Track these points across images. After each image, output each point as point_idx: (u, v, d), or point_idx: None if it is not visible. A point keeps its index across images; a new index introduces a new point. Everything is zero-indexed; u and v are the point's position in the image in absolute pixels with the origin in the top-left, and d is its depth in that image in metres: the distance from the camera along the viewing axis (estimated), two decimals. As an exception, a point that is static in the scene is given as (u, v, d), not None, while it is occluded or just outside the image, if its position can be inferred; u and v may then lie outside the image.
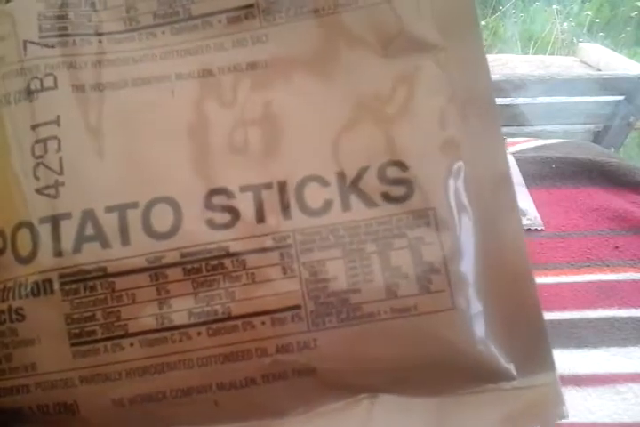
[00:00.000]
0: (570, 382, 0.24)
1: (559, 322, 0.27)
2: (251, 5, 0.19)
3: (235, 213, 0.18)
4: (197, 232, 0.18)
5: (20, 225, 0.18)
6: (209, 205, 0.18)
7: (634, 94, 0.90)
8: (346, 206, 0.17)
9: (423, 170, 0.17)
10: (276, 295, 0.17)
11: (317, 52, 0.19)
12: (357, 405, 0.17)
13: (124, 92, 0.19)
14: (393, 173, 0.18)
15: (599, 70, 1.02)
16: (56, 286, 0.18)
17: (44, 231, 0.18)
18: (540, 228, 0.34)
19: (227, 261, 0.17)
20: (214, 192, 0.18)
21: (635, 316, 0.28)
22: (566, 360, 0.25)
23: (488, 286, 0.17)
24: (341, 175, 0.18)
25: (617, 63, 1.00)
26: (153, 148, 0.18)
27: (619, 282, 0.30)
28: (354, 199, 0.18)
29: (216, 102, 0.19)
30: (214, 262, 0.17)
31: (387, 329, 0.17)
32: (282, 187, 0.18)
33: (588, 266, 0.31)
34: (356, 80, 0.18)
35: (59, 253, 0.18)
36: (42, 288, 0.18)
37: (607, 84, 0.90)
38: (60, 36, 0.19)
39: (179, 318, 0.17)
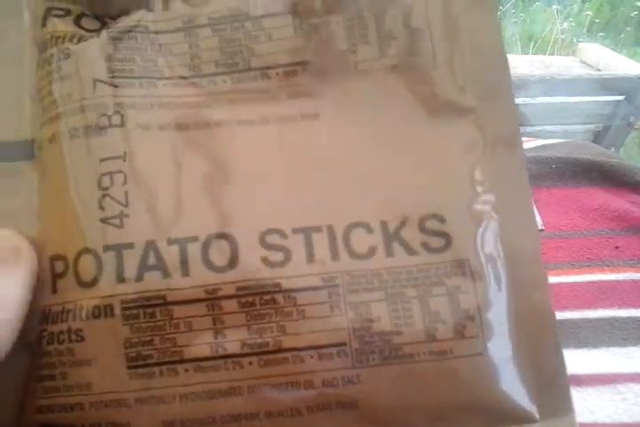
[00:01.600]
0: (570, 382, 0.24)
1: (559, 322, 0.26)
2: (306, 62, 0.21)
3: (287, 253, 0.19)
4: (253, 268, 0.19)
5: (83, 251, 0.20)
6: (264, 244, 0.19)
7: (634, 94, 0.91)
8: (389, 253, 0.19)
9: (459, 223, 0.19)
10: (324, 332, 0.19)
11: (365, 103, 0.21)
12: None
13: (186, 133, 0.20)
14: (432, 224, 0.19)
15: (599, 70, 1.03)
16: (117, 310, 0.19)
17: (108, 259, 0.19)
18: (540, 228, 0.33)
19: (279, 297, 0.19)
20: (269, 232, 0.19)
21: (635, 316, 0.28)
22: (566, 360, 0.25)
23: (516, 332, 0.19)
24: (385, 224, 0.20)
25: (617, 63, 1.01)
26: (214, 187, 0.20)
27: (619, 282, 0.31)
28: (396, 247, 0.19)
29: (273, 148, 0.20)
30: (267, 297, 0.19)
31: (425, 369, 0.18)
32: (330, 231, 0.19)
33: (588, 266, 0.31)
34: (401, 135, 0.20)
35: (121, 280, 0.19)
36: (103, 312, 0.19)
37: (607, 84, 0.90)
38: (127, 77, 0.21)
39: (232, 348, 0.19)
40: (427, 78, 0.20)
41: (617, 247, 0.34)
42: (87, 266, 0.19)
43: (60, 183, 0.21)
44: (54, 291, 0.20)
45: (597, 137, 0.99)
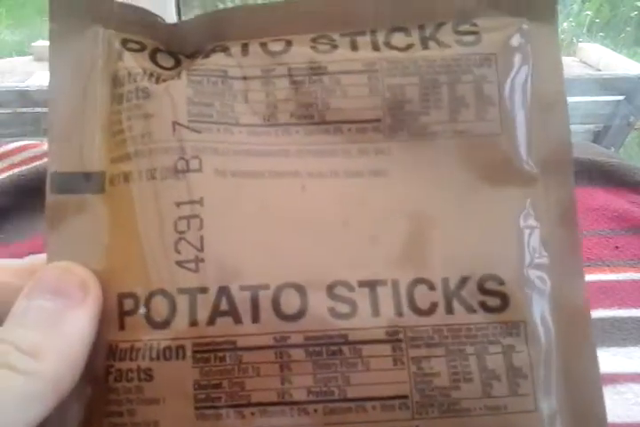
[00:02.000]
0: None
1: None
2: (378, 120, 0.22)
3: (353, 305, 0.20)
4: (321, 318, 0.20)
5: (157, 292, 0.20)
6: (331, 295, 0.20)
7: (634, 94, 0.92)
8: (449, 310, 0.20)
9: (516, 286, 0.21)
10: (387, 384, 0.20)
11: (432, 164, 0.22)
12: None
13: (261, 182, 0.21)
14: (491, 285, 0.21)
15: (599, 70, 1.04)
16: (188, 353, 0.20)
17: (182, 302, 0.20)
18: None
19: (345, 348, 0.20)
20: (337, 283, 0.20)
21: (635, 316, 0.28)
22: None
23: (563, 390, 0.20)
24: (446, 281, 0.21)
25: (617, 63, 1.03)
26: (285, 236, 0.21)
27: (619, 282, 0.31)
28: (456, 304, 0.21)
29: (341, 201, 0.21)
30: (334, 348, 0.20)
31: (480, 423, 0.20)
32: (395, 285, 0.21)
33: (588, 266, 0.31)
34: (465, 198, 0.22)
35: (194, 323, 0.20)
36: (174, 353, 0.20)
37: (607, 84, 0.92)
38: (205, 122, 0.22)
39: (298, 395, 0.20)
40: (493, 145, 0.22)
41: (617, 247, 0.34)
42: (160, 307, 0.20)
43: (132, 222, 0.21)
44: (122, 328, 0.20)
45: (597, 137, 1.00)
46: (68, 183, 0.22)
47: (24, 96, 0.97)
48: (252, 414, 0.19)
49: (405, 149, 0.22)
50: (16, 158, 0.49)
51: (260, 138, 0.22)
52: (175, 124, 0.21)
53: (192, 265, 0.20)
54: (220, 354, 0.20)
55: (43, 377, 0.18)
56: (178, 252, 0.20)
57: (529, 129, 0.22)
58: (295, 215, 0.21)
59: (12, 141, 0.51)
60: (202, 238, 0.20)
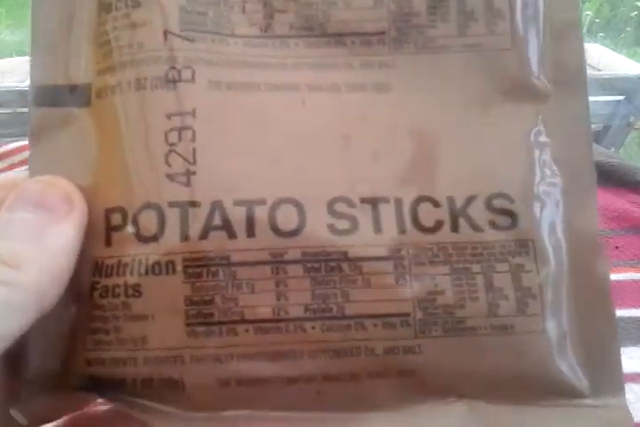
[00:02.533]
0: None
1: None
2: (382, 32, 0.21)
3: (354, 222, 0.19)
4: (319, 235, 0.19)
5: (146, 206, 0.19)
6: (331, 211, 0.19)
7: (634, 94, 0.92)
8: (454, 228, 0.19)
9: (526, 204, 0.20)
10: (389, 301, 0.19)
11: (439, 77, 0.21)
12: (448, 406, 0.19)
13: (257, 94, 0.20)
14: (499, 203, 0.20)
15: (599, 70, 1.03)
16: (179, 268, 0.19)
17: (173, 215, 0.19)
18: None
19: (344, 265, 0.19)
20: (337, 200, 0.19)
21: (635, 316, 0.28)
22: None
23: (574, 311, 0.19)
24: (452, 200, 0.20)
25: (617, 63, 1.02)
26: (284, 150, 0.20)
27: (619, 282, 0.31)
28: (462, 222, 0.20)
29: (341, 115, 0.20)
30: (333, 264, 0.19)
31: (485, 343, 0.19)
32: (398, 203, 0.20)
33: None
34: (473, 112, 0.21)
35: (185, 237, 0.19)
36: (164, 268, 0.19)
37: (607, 84, 0.92)
38: (199, 31, 0.20)
39: (295, 311, 0.19)
40: (503, 59, 0.21)
41: (617, 247, 0.34)
42: (150, 221, 0.19)
43: (120, 135, 0.20)
44: (108, 243, 0.19)
45: (597, 137, 1.00)
46: (53, 96, 0.21)
47: (24, 96, 0.95)
48: (246, 331, 0.18)
49: (411, 62, 0.21)
50: (16, 158, 0.48)
51: (257, 49, 0.21)
52: (167, 32, 0.20)
53: (183, 178, 0.19)
54: (213, 269, 0.18)
55: (25, 288, 0.17)
56: (168, 164, 0.19)
57: (541, 48, 0.21)
58: (294, 129, 0.20)
59: (12, 141, 0.51)
60: (194, 151, 0.19)
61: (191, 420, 0.19)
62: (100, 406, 0.21)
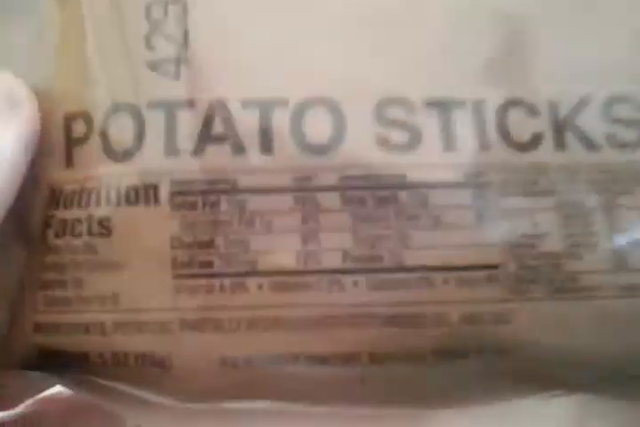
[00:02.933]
0: None
1: None
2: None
3: (415, 133, 0.13)
4: (365, 150, 0.13)
5: (118, 108, 0.13)
6: (382, 118, 0.13)
7: None
8: (560, 143, 0.13)
9: None
10: (467, 247, 0.13)
11: None
12: (548, 405, 0.13)
13: None
14: (623, 110, 0.14)
15: None
16: (164, 194, 0.13)
17: (155, 120, 0.13)
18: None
19: (402, 195, 0.13)
20: (390, 101, 0.13)
21: None
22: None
23: None
24: (555, 105, 0.13)
25: None
26: (314, 30, 0.14)
27: None
28: (570, 137, 0.13)
29: None
30: (385, 193, 0.13)
31: (608, 309, 0.13)
32: (479, 107, 0.13)
33: None
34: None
35: (173, 151, 0.13)
36: (142, 195, 0.13)
37: None
38: None
39: (329, 260, 0.13)
40: None
41: None
42: (123, 129, 0.13)
43: (87, 15, 0.14)
44: (69, 164, 0.14)
45: None
46: None
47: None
48: (260, 287, 0.13)
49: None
50: None
51: None
52: None
53: (170, 67, 0.13)
54: (213, 198, 0.13)
55: None
56: (150, 48, 0.13)
57: None
58: (328, 10, 0.14)
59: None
60: (186, 32, 0.13)
61: (180, 413, 0.13)
62: (56, 391, 0.15)
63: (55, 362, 0.14)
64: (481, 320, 0.13)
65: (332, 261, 0.13)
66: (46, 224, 0.14)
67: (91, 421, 0.14)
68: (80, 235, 0.13)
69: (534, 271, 0.13)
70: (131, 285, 0.13)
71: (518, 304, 0.13)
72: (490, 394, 0.14)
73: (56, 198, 0.14)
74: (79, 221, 0.13)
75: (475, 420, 0.13)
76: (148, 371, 0.13)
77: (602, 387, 0.14)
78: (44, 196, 0.14)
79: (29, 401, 0.15)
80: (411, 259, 0.13)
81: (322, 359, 0.13)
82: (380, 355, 0.13)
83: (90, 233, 0.13)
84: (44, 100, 0.14)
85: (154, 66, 0.13)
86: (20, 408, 0.15)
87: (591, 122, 0.14)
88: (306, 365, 0.13)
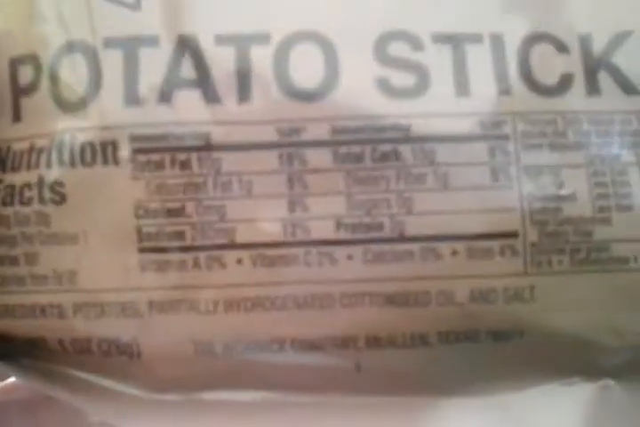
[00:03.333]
0: None
1: None
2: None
3: (422, 74, 0.11)
4: (361, 96, 0.11)
5: (68, 48, 0.11)
6: (382, 55, 0.11)
7: None
8: (592, 88, 0.11)
9: None
10: (481, 213, 0.11)
11: None
12: (567, 393, 0.12)
13: None
14: None
15: None
16: (124, 151, 0.11)
17: (112, 61, 0.11)
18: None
19: (405, 149, 0.11)
20: (392, 36, 0.11)
21: None
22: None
23: None
24: (587, 40, 0.11)
25: None
26: None
27: None
28: (605, 79, 0.11)
29: None
30: (386, 148, 0.11)
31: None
32: (497, 42, 0.11)
33: None
34: None
35: (134, 100, 0.11)
36: (100, 153, 0.11)
37: None
38: None
39: (320, 229, 0.11)
40: None
41: None
42: (75, 73, 0.11)
43: None
44: (16, 117, 0.12)
45: None
46: None
47: None
48: (239, 261, 0.11)
49: None
50: None
51: None
52: None
53: (130, -2, 0.11)
54: (182, 156, 0.11)
55: None
56: None
57: None
58: None
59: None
60: None
61: (151, 405, 0.11)
62: (10, 383, 0.13)
63: (9, 348, 0.12)
64: (494, 298, 0.11)
65: (323, 230, 0.11)
66: None
67: (55, 411, 0.12)
68: (30, 202, 0.11)
69: (558, 240, 0.11)
70: (90, 260, 0.11)
71: (538, 279, 0.11)
72: (500, 381, 0.12)
73: (2, 160, 0.12)
74: (29, 186, 0.12)
75: (481, 410, 0.12)
76: (114, 359, 0.11)
77: (621, 372, 0.12)
78: None
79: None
80: (413, 226, 0.11)
81: (311, 345, 0.11)
82: (377, 338, 0.11)
83: (41, 201, 0.11)
84: None
85: (109, -5, 0.11)
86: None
87: (631, 60, 0.12)
88: (293, 351, 0.11)
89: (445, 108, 0.11)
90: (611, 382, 0.12)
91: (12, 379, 0.13)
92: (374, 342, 0.11)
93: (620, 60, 0.12)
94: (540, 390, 0.12)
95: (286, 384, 0.12)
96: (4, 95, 0.12)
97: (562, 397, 0.12)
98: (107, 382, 0.12)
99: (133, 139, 0.11)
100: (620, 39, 0.12)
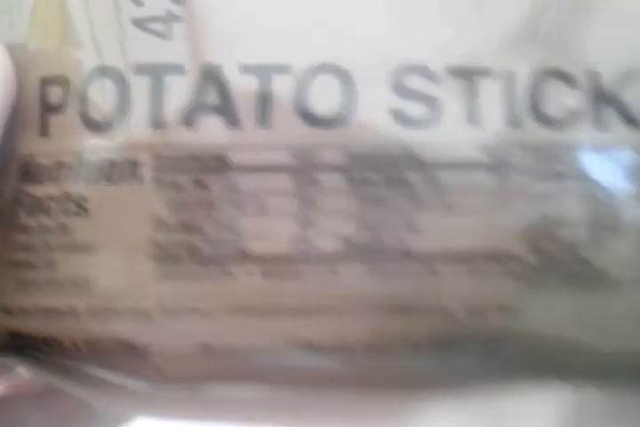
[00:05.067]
0: None
1: None
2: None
3: (435, 105, 0.12)
4: (376, 124, 0.12)
5: (99, 71, 0.12)
6: (397, 87, 0.12)
7: None
8: (599, 122, 0.12)
9: None
10: (483, 234, 0.11)
11: None
12: (548, 397, 0.12)
13: None
14: None
15: None
16: (147, 170, 0.11)
17: (140, 86, 0.12)
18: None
19: (413, 176, 0.11)
20: (407, 69, 0.12)
21: None
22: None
23: None
24: (595, 76, 0.12)
25: None
26: None
27: None
28: (611, 113, 0.12)
29: None
30: (395, 173, 0.11)
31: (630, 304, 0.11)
32: (509, 77, 0.12)
33: None
34: None
35: (158, 123, 0.11)
36: (124, 172, 0.11)
37: None
38: None
39: (330, 245, 0.11)
40: None
41: None
42: (103, 96, 0.12)
43: None
44: (44, 133, 0.13)
45: None
46: None
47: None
48: (250, 274, 0.12)
49: None
50: None
51: None
52: None
53: (160, 27, 0.12)
54: (201, 176, 0.11)
55: None
56: (138, 3, 0.12)
57: None
58: None
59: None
60: None
61: (158, 400, 0.12)
62: (26, 375, 0.14)
63: (27, 346, 0.12)
64: (489, 315, 0.11)
65: (331, 246, 0.11)
66: (17, 201, 0.12)
67: (66, 404, 0.13)
68: (55, 214, 0.12)
69: (556, 264, 0.11)
70: (106, 269, 0.12)
71: (534, 300, 0.11)
72: (488, 385, 0.12)
73: (28, 172, 0.12)
74: (53, 199, 0.12)
75: (468, 413, 0.12)
76: (126, 359, 0.12)
77: (601, 376, 0.12)
78: (14, 169, 0.13)
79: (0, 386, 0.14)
80: (418, 244, 0.11)
81: (313, 349, 0.12)
82: (375, 346, 0.12)
83: (65, 213, 0.12)
84: (16, 61, 0.12)
85: (141, 24, 0.12)
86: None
87: (636, 96, 0.12)
88: (294, 355, 0.12)
89: (456, 138, 0.12)
90: (590, 386, 0.12)
91: (23, 372, 0.13)
92: (373, 349, 0.12)
93: (629, 96, 0.12)
94: (521, 393, 0.12)
95: (287, 384, 0.12)
96: (32, 111, 0.13)
97: (541, 400, 0.12)
98: (117, 378, 0.12)
99: (155, 159, 0.12)
100: (630, 76, 0.12)
